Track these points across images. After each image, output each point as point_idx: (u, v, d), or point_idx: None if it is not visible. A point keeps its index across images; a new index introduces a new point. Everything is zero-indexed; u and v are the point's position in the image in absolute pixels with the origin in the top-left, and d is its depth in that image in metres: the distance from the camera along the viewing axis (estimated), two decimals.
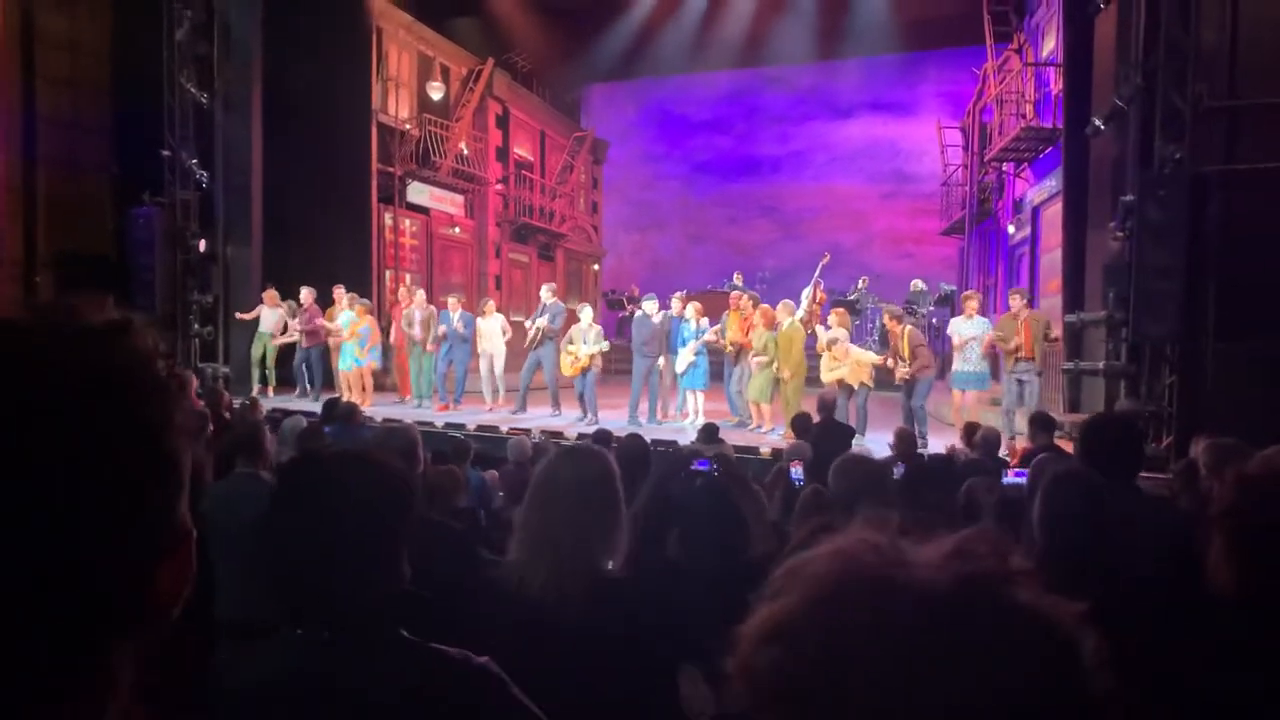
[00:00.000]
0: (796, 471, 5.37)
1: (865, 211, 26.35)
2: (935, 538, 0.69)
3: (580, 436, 9.32)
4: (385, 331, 13.37)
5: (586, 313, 11.72)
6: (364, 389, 12.58)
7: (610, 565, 2.15)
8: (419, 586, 1.66)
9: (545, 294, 12.21)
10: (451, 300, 12.65)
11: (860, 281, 20.23)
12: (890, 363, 10.00)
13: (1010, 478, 5.09)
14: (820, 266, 16.07)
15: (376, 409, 12.09)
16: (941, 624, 0.63)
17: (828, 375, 10.09)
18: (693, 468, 3.72)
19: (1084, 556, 2.27)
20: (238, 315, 13.05)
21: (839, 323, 10.62)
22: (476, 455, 7.11)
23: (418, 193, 17.61)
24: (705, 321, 11.48)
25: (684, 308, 11.88)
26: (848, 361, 9.97)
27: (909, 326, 10.07)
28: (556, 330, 11.97)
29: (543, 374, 12.07)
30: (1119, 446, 3.20)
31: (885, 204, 26.35)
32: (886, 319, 10.22)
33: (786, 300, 11.16)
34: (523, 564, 2.09)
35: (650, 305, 11.77)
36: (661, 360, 11.47)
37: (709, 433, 7.54)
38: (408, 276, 17.53)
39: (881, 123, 26.41)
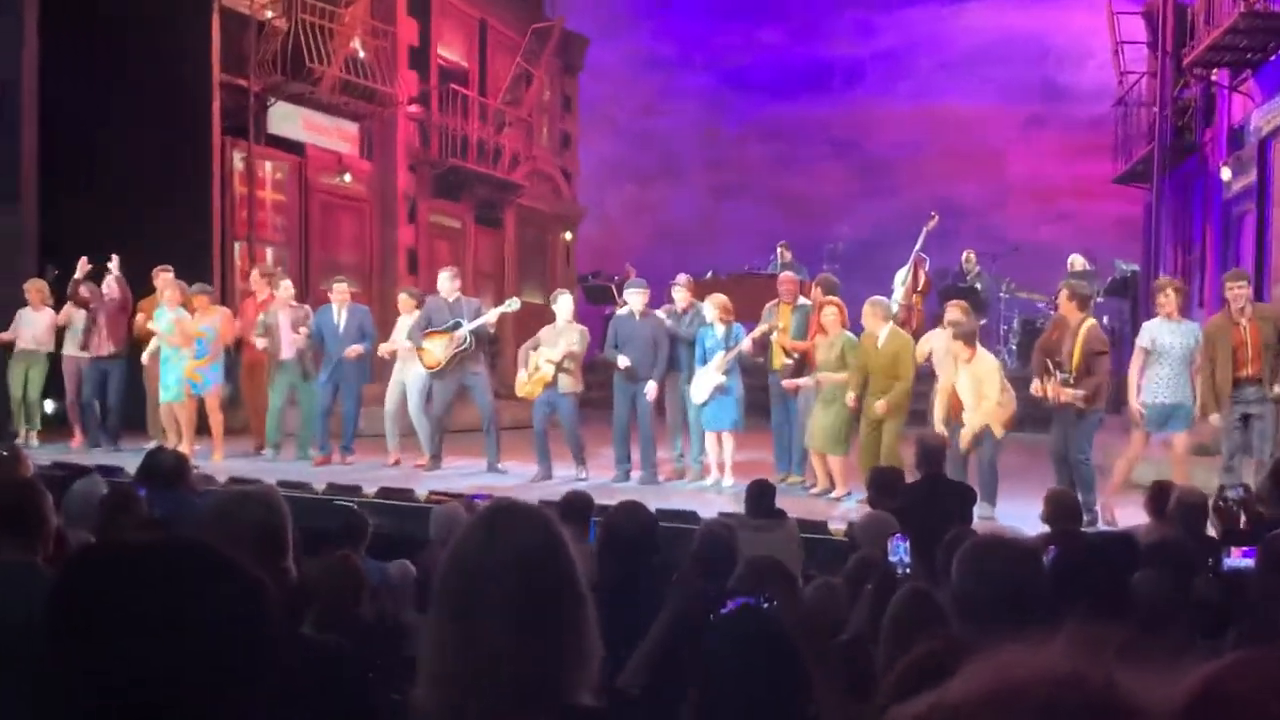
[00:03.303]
0: (900, 550, 5.38)
1: (995, 147, 26.45)
2: (1173, 663, 0.67)
3: (542, 506, 9.29)
4: (236, 343, 13.38)
5: (564, 304, 11.88)
6: (212, 429, 12.63)
7: (579, 697, 2.12)
8: None
9: (445, 284, 12.35)
10: (338, 289, 12.72)
11: (965, 256, 20.21)
12: (1038, 385, 9.96)
13: (1232, 562, 5.13)
14: (923, 236, 16.17)
15: (224, 463, 12.08)
16: None
17: (977, 414, 10.04)
18: (731, 605, 3.66)
19: None
20: None
21: (956, 338, 10.59)
22: (379, 536, 7.11)
23: (285, 119, 17.65)
24: (739, 329, 11.49)
25: (688, 302, 12.00)
26: (980, 389, 9.96)
27: (1092, 320, 10.03)
28: (486, 340, 12.22)
29: (476, 404, 12.31)
30: None
31: (1027, 135, 26.46)
32: (1064, 298, 10.13)
33: (874, 299, 11.17)
34: (438, 709, 2.06)
35: (636, 297, 11.86)
36: (651, 388, 11.52)
37: (759, 499, 7.53)
38: (268, 252, 17.54)
39: (1019, 6, 26.55)
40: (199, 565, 1.56)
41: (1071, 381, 9.68)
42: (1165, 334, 10.00)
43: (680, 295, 12.08)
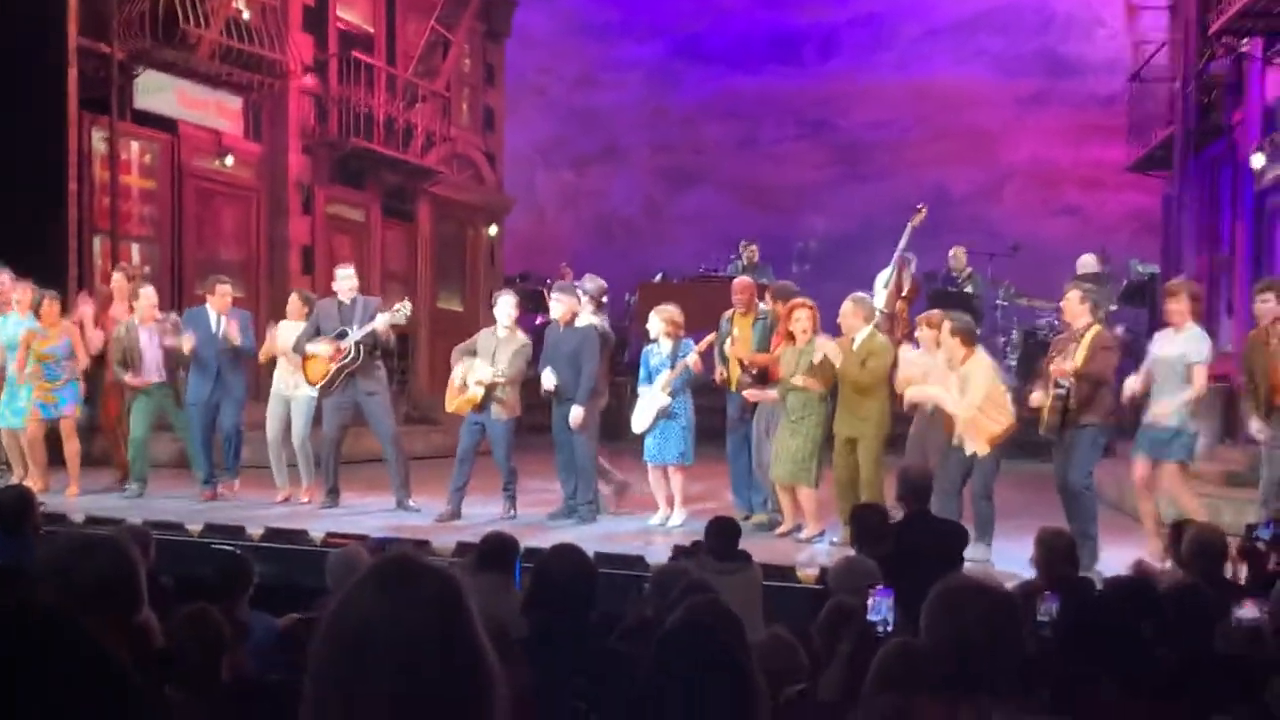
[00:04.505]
0: (883, 608, 5.44)
1: (991, 129, 26.67)
2: None
3: (459, 549, 9.31)
4: (96, 357, 13.21)
5: (505, 307, 11.91)
6: (66, 461, 12.51)
7: None
8: None
9: (342, 282, 12.39)
10: (220, 291, 12.69)
11: (953, 255, 20.22)
12: (1036, 397, 10.02)
13: (1244, 611, 5.20)
14: (908, 232, 16.23)
15: (81, 500, 11.99)
16: None
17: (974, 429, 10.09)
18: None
19: None
20: None
21: (953, 334, 10.61)
22: (266, 584, 7.08)
23: (155, 92, 17.51)
24: (689, 345, 11.49)
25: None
26: (962, 405, 10.05)
27: (1100, 326, 10.05)
28: (385, 351, 12.25)
29: (373, 430, 12.36)
30: None
31: (1028, 115, 26.69)
32: (1072, 299, 10.09)
33: (857, 295, 11.21)
34: None
35: (557, 305, 11.91)
36: (575, 413, 11.46)
37: (722, 539, 7.55)
38: (134, 249, 17.38)
39: None
40: (38, 621, 1.54)
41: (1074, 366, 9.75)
42: (1164, 345, 10.15)
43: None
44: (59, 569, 3.39)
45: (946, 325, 10.32)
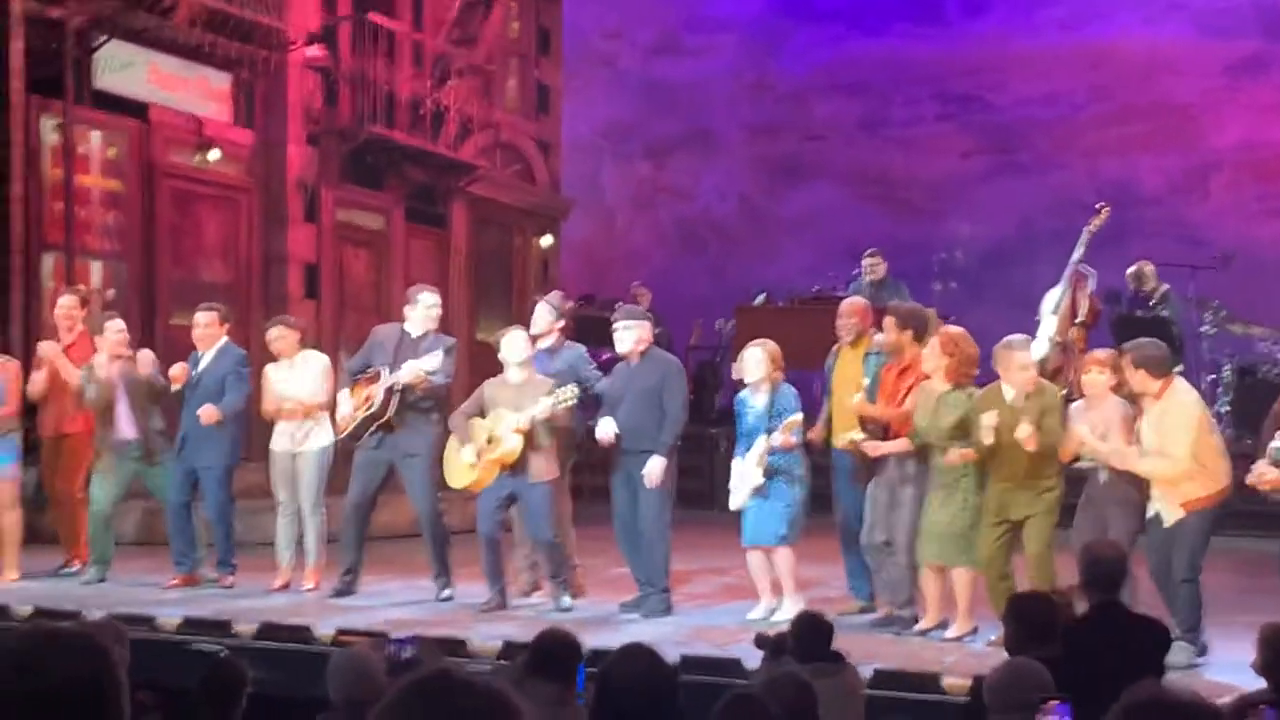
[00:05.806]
0: None
1: (1193, 106, 26.45)
2: None
3: (507, 650, 9.29)
4: (31, 407, 13.28)
5: (515, 346, 11.73)
6: (4, 535, 12.65)
7: None
8: None
9: (424, 306, 12.37)
10: (202, 321, 12.76)
11: (1136, 270, 19.79)
12: (1260, 471, 9.89)
13: None
14: (1085, 239, 16.06)
15: (22, 585, 12.10)
16: None
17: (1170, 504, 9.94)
18: None
19: None
20: None
21: (1136, 366, 10.48)
22: (260, 694, 7.11)
23: (122, 69, 17.66)
24: (788, 396, 11.45)
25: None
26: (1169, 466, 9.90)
27: None
28: (440, 392, 12.22)
29: (411, 500, 12.36)
30: None
31: (1242, 86, 26.45)
32: None
33: (1015, 339, 11.01)
34: None
35: (627, 334, 11.74)
36: (654, 466, 11.34)
37: (808, 639, 7.52)
38: (95, 268, 17.50)
39: None
40: None
41: None
42: None
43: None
44: (19, 673, 3.27)
45: (1128, 357, 10.09)
